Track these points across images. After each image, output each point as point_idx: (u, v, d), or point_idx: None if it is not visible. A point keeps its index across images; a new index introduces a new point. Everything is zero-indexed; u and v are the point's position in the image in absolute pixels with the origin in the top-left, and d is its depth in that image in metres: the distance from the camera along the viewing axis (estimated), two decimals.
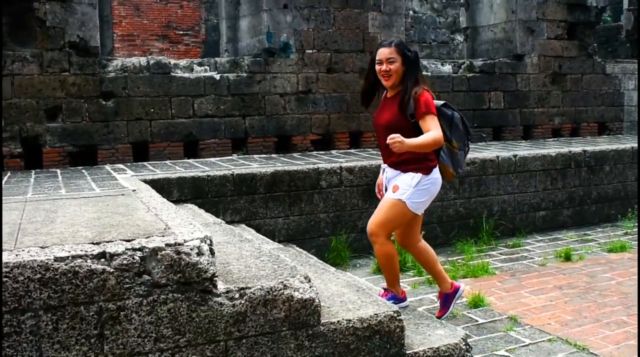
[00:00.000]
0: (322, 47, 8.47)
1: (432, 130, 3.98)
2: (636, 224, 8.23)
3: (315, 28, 8.40)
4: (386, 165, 4.34)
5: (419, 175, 4.09)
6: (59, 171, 7.02)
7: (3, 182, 6.25)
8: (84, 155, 7.55)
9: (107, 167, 7.30)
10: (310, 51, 8.40)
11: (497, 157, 8.02)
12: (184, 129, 7.89)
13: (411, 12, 18.47)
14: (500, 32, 10.59)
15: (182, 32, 20.72)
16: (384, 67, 4.08)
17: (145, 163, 7.58)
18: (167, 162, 7.66)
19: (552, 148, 8.87)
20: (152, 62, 7.79)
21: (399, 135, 3.86)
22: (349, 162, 7.26)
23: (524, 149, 8.71)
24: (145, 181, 5.96)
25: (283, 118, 8.34)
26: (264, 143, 8.25)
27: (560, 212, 8.47)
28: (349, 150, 8.64)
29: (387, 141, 3.86)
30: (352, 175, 7.05)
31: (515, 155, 8.13)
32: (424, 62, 9.53)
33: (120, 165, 7.39)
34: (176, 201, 6.09)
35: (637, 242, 7.37)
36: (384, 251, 4.22)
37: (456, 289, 4.56)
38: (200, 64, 8.23)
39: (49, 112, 7.35)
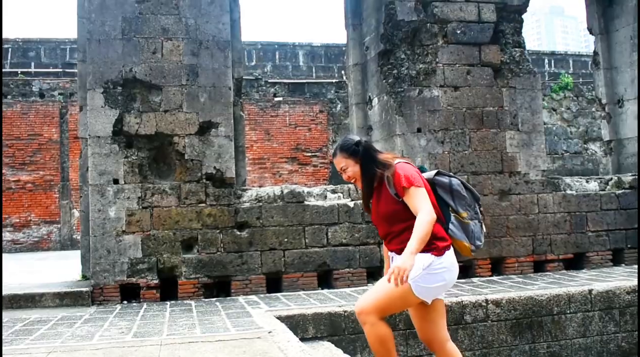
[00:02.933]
0: (459, 169, 8.13)
1: (418, 210, 3.48)
2: None
3: (451, 150, 8.12)
4: (393, 253, 3.77)
5: (431, 256, 3.53)
6: (193, 304, 6.93)
7: (139, 315, 6.22)
8: (218, 286, 7.47)
9: (241, 299, 7.13)
10: None
11: None
12: (317, 259, 7.67)
13: None
14: None
15: (310, 154, 21.20)
16: (344, 176, 3.82)
17: (278, 294, 7.37)
18: (301, 293, 7.41)
19: None
20: (286, 191, 7.75)
21: (394, 268, 3.35)
22: (494, 293, 6.69)
23: None
24: (280, 318, 5.69)
25: None
26: None
27: None
28: (491, 278, 8.05)
29: (389, 281, 3.38)
30: (499, 309, 6.46)
31: None
32: (567, 180, 8.93)
33: (254, 297, 7.20)
34: (312, 339, 5.77)
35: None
36: (376, 333, 3.56)
37: None
38: (333, 191, 8.10)
39: (185, 243, 7.39)
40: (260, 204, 7.62)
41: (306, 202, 7.76)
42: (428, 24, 8.17)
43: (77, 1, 7.85)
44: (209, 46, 7.66)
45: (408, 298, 3.57)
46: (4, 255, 18.35)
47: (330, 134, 21.11)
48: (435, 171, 3.79)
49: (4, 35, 20.95)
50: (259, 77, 21.28)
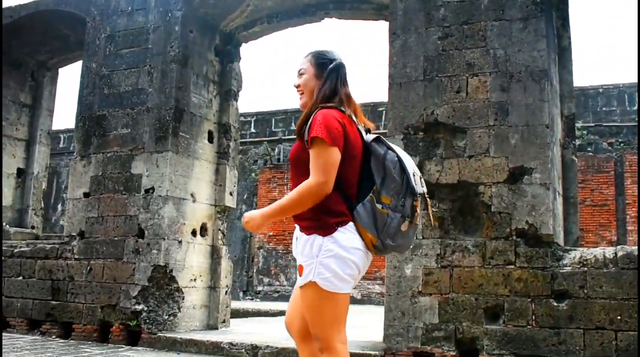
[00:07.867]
0: None
1: (311, 174, 2.72)
2: None
3: None
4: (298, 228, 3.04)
5: (318, 238, 2.73)
6: None
7: None
8: None
9: None
10: None
11: None
12: None
13: None
14: None
15: None
16: (295, 81, 3.05)
17: None
18: None
19: None
20: (620, 253, 5.99)
21: (249, 213, 2.83)
22: None
23: None
24: None
25: None
26: None
27: None
28: None
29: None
30: None
31: None
32: None
33: None
34: None
35: None
36: None
37: None
38: None
39: (488, 311, 6.21)
40: (585, 269, 6.02)
41: None
42: None
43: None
44: (521, 78, 6.49)
45: (328, 298, 2.73)
46: (372, 306, 18.99)
47: None
48: (374, 136, 2.92)
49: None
50: None
